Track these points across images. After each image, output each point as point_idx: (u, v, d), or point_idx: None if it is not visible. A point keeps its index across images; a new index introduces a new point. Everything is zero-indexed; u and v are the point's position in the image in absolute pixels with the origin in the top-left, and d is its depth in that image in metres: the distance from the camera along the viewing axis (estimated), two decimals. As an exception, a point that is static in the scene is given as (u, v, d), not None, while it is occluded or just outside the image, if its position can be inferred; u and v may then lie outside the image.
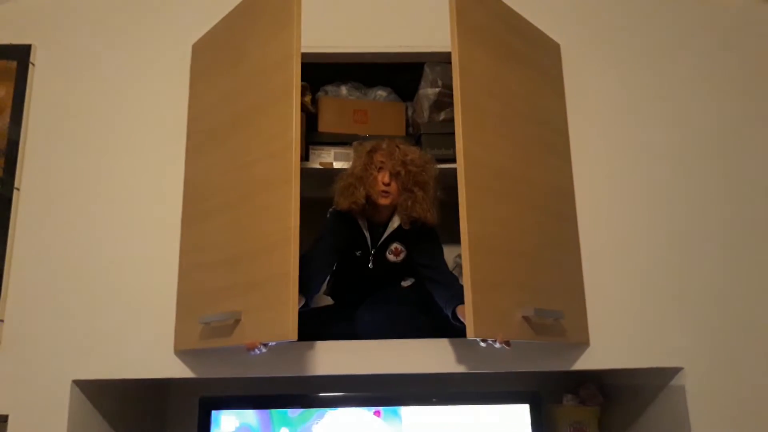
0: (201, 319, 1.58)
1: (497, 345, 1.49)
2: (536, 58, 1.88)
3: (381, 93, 2.28)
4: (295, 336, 1.35)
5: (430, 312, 1.89)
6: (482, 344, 1.53)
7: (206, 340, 1.59)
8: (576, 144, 1.91)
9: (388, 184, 1.84)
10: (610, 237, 1.85)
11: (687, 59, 2.02)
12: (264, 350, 1.47)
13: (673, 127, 1.96)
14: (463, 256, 1.46)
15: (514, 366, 1.71)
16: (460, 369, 1.69)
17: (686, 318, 1.80)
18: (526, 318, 1.54)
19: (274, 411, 1.75)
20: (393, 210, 1.91)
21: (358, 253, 1.93)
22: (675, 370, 1.78)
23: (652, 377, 1.86)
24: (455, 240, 2.13)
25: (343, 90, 2.26)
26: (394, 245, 1.92)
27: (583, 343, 1.75)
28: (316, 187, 1.93)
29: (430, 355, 1.70)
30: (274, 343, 1.49)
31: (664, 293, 1.82)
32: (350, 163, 2.00)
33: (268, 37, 1.60)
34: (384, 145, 1.88)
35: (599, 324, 1.77)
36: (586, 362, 1.75)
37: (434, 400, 1.78)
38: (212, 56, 1.84)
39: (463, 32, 1.58)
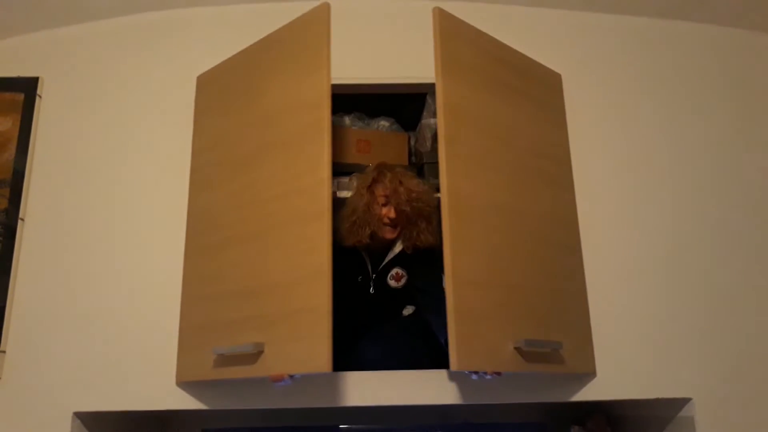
0: (216, 350, 1.57)
1: (488, 377, 1.49)
2: (533, 91, 1.88)
3: (384, 123, 2.29)
4: (329, 368, 1.35)
5: (431, 341, 1.86)
6: (474, 377, 1.53)
7: (219, 370, 1.58)
8: (579, 174, 1.91)
9: (394, 218, 1.87)
10: (616, 266, 1.84)
11: (689, 88, 2.03)
12: (290, 382, 1.47)
13: (678, 155, 1.96)
14: (446, 289, 1.46)
15: (519, 397, 1.69)
16: (463, 400, 1.67)
17: (695, 348, 1.78)
18: (518, 349, 1.52)
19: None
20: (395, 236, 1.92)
21: (359, 279, 1.93)
22: (684, 401, 1.75)
23: (661, 408, 1.83)
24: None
25: (347, 120, 2.27)
26: (396, 270, 1.92)
27: (589, 374, 1.73)
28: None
29: (431, 387, 1.68)
30: (299, 375, 1.49)
31: (672, 323, 1.80)
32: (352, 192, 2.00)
33: (295, 77, 1.63)
34: (387, 181, 1.89)
35: (606, 354, 1.75)
36: (592, 393, 1.73)
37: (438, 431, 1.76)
38: (221, 90, 1.86)
39: (447, 71, 1.59)
